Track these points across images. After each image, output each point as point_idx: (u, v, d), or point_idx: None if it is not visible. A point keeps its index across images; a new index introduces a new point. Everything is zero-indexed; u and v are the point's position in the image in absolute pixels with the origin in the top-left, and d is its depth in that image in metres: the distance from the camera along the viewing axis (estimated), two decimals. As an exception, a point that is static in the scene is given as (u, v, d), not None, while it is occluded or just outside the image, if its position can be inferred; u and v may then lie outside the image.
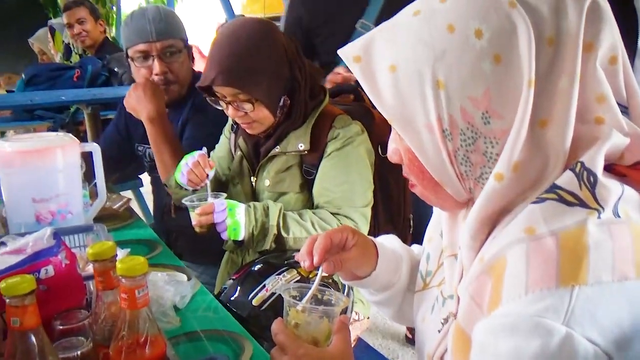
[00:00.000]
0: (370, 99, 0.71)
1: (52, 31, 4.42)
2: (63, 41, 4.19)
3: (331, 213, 1.54)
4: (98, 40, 3.73)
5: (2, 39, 6.18)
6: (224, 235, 1.50)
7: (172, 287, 1.13)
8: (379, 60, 0.71)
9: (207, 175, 1.61)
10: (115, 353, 0.81)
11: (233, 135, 1.79)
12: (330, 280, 1.41)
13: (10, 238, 1.08)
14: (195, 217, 1.51)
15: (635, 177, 0.66)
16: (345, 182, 1.56)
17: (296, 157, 1.60)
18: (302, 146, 1.58)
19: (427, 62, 0.67)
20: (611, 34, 0.65)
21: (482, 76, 0.64)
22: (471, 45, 0.65)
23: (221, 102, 1.57)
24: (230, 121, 1.81)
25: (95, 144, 1.57)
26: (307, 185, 1.61)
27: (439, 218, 0.89)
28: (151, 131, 1.86)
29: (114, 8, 6.26)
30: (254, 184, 1.69)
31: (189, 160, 1.62)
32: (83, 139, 2.32)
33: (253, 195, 1.70)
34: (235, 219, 1.48)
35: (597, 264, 0.58)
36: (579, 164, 0.63)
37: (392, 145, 0.79)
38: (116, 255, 0.90)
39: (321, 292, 0.91)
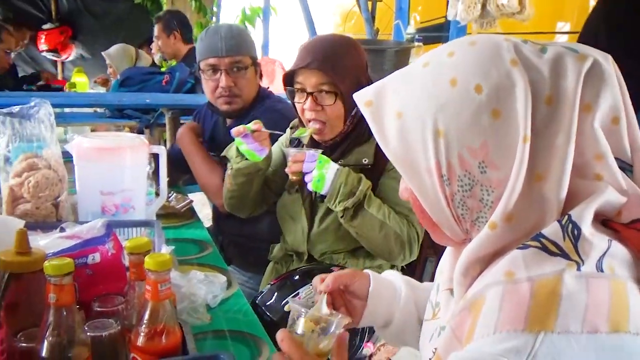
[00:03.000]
0: (378, 141, 0.77)
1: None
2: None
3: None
4: (176, 51, 3.94)
5: (113, 40, 6.68)
6: (309, 186, 1.58)
7: (204, 286, 1.22)
8: (387, 106, 0.76)
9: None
10: (134, 337, 0.90)
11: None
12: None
13: (70, 225, 1.20)
14: (289, 164, 1.61)
15: (627, 235, 0.67)
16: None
17: (357, 171, 1.64)
18: (367, 160, 1.65)
19: (429, 111, 0.71)
20: (612, 95, 0.67)
21: (480, 129, 0.68)
22: (471, 99, 0.68)
23: (298, 96, 1.65)
24: (287, 135, 1.89)
25: (162, 147, 1.71)
26: None
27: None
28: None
29: (214, 19, 6.60)
30: (313, 194, 1.75)
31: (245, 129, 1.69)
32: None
33: (311, 205, 1.76)
34: (322, 171, 1.55)
35: (567, 313, 0.59)
36: (566, 217, 0.65)
37: (402, 184, 0.83)
38: (151, 250, 0.99)
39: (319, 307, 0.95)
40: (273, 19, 6.18)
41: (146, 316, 0.90)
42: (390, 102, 0.76)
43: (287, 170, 1.62)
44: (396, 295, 1.06)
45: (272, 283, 1.57)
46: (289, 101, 1.75)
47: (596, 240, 0.65)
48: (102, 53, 4.63)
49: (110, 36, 6.64)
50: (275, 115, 2.04)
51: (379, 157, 1.63)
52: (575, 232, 0.64)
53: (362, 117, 1.57)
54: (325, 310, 0.97)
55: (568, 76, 0.66)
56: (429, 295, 0.98)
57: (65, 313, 0.85)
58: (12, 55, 4.21)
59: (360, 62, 1.65)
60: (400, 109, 0.74)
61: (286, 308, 1.48)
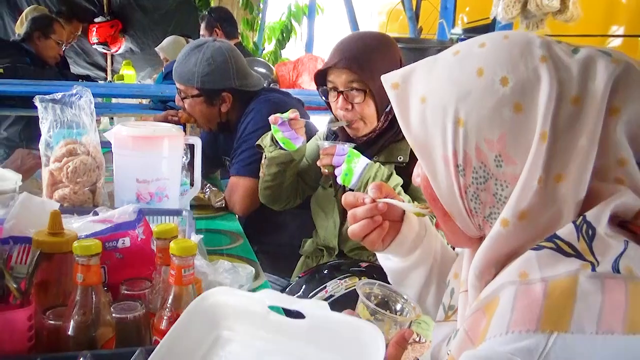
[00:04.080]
0: (399, 123, 0.77)
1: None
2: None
3: None
4: None
5: (161, 34, 6.82)
6: (338, 179, 1.58)
7: (230, 275, 1.23)
8: (413, 90, 0.76)
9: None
10: (158, 320, 0.92)
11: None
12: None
13: (103, 209, 1.23)
14: (321, 156, 1.62)
15: None
16: None
17: (391, 168, 1.65)
18: (402, 158, 1.65)
19: (452, 99, 0.71)
20: None
21: (500, 121, 0.67)
22: (495, 90, 0.68)
23: (331, 95, 1.66)
24: (325, 129, 1.90)
25: (197, 138, 1.73)
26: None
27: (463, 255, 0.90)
28: None
29: (260, 15, 6.67)
30: (346, 189, 1.74)
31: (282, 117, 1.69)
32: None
33: None
34: (350, 165, 1.56)
35: (582, 314, 0.58)
36: (581, 218, 0.64)
37: (417, 169, 0.82)
38: (177, 236, 1.01)
39: (397, 298, 0.94)
40: (319, 17, 6.21)
41: (169, 300, 0.92)
42: (416, 86, 0.76)
43: (318, 162, 1.63)
44: (425, 229, 1.04)
45: (300, 276, 1.58)
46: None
47: (612, 241, 0.64)
48: (156, 49, 4.73)
49: (158, 30, 6.78)
50: (266, 105, 2.08)
51: (413, 155, 1.61)
52: (590, 232, 0.63)
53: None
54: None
55: (597, 78, 0.66)
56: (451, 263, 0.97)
57: (91, 293, 0.88)
58: (64, 47, 4.33)
59: (394, 60, 1.65)
60: (425, 93, 0.74)
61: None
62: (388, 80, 0.79)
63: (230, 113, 2.17)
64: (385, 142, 1.68)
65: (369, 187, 1.00)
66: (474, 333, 0.68)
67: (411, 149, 1.57)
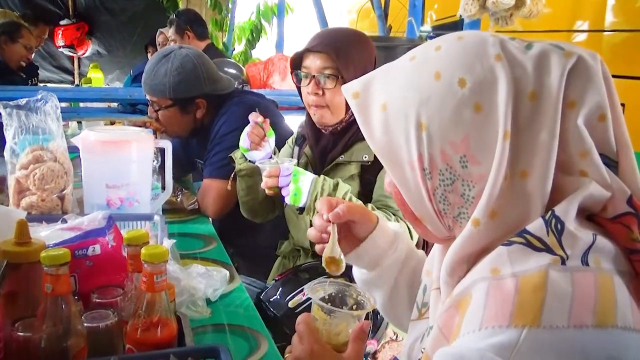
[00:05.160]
0: (363, 133, 0.77)
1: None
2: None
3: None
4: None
5: (129, 36, 6.73)
6: (287, 199, 1.57)
7: (204, 279, 1.22)
8: (373, 98, 0.76)
9: (265, 136, 1.67)
10: (131, 329, 0.91)
11: (297, 148, 1.87)
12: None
13: (72, 216, 1.21)
14: (264, 179, 1.59)
15: (612, 229, 0.67)
16: None
17: (358, 167, 1.66)
18: (367, 157, 1.64)
19: (413, 104, 0.71)
20: (598, 92, 0.66)
21: (462, 122, 0.68)
22: (454, 92, 0.68)
23: (304, 81, 1.67)
24: (295, 134, 1.91)
25: (168, 141, 1.71)
26: (365, 195, 1.66)
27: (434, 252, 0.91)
28: None
29: (229, 15, 6.62)
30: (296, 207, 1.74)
31: (248, 126, 1.69)
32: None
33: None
34: (297, 185, 1.54)
35: (552, 307, 0.59)
36: (550, 212, 0.65)
37: (387, 178, 0.83)
38: (149, 242, 1.00)
39: (351, 292, 0.94)
40: (289, 16, 6.19)
41: (142, 307, 0.90)
42: (376, 94, 0.76)
43: (262, 185, 1.60)
44: (392, 248, 1.06)
45: (276, 279, 1.57)
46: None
47: (581, 235, 0.64)
48: (160, 30, 4.60)
49: (125, 32, 6.71)
50: (239, 108, 2.09)
51: None
52: (559, 226, 0.64)
53: None
54: (338, 250, 0.99)
55: (552, 73, 0.66)
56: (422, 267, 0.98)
57: (61, 303, 0.86)
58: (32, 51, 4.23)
59: (369, 57, 1.67)
60: (385, 101, 0.74)
61: (290, 304, 1.48)
62: (349, 90, 0.79)
63: (204, 118, 2.16)
64: (349, 140, 1.68)
65: (318, 204, 1.03)
66: (447, 330, 0.69)
67: None
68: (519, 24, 2.14)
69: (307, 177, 1.55)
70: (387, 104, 0.74)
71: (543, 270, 0.61)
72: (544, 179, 0.66)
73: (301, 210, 1.58)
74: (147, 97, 2.15)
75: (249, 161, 1.74)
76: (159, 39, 4.45)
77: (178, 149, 2.32)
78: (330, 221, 1.00)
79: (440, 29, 4.36)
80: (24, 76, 4.09)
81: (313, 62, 1.64)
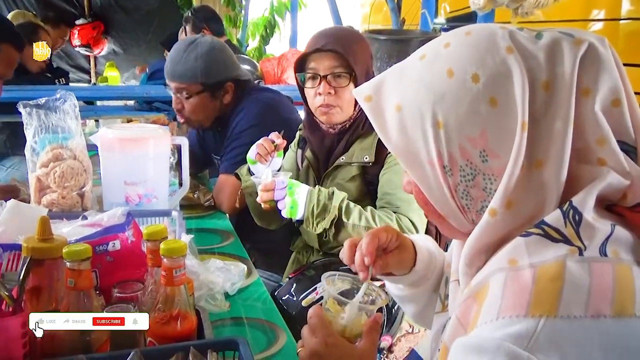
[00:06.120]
0: (379, 135, 0.77)
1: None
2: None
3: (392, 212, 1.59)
4: None
5: (144, 34, 6.77)
6: (284, 213, 1.56)
7: (222, 274, 1.24)
8: (387, 100, 0.76)
9: (275, 148, 1.66)
10: (151, 322, 0.92)
11: (300, 151, 1.86)
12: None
13: (92, 213, 1.23)
14: (259, 193, 1.58)
15: (632, 219, 0.66)
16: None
17: (359, 168, 1.66)
18: (367, 158, 1.64)
19: (427, 103, 0.71)
20: (610, 78, 0.66)
21: (478, 117, 0.68)
22: (468, 88, 0.68)
23: (309, 83, 1.65)
24: (297, 137, 1.90)
25: (184, 138, 1.73)
26: (369, 195, 1.66)
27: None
28: None
29: (242, 11, 6.65)
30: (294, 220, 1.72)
31: (262, 139, 1.70)
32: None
33: None
34: (293, 197, 1.54)
35: (570, 297, 0.59)
36: (567, 203, 0.65)
37: (405, 177, 0.83)
38: (167, 237, 1.01)
39: (360, 285, 0.94)
40: (302, 11, 6.20)
41: (162, 301, 0.92)
42: (389, 96, 0.76)
43: (258, 199, 1.59)
44: (429, 270, 1.03)
45: (290, 277, 1.59)
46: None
47: (599, 225, 0.64)
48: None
49: (141, 30, 6.74)
50: (257, 104, 2.10)
51: (378, 155, 1.63)
52: (577, 217, 0.64)
53: None
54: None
55: (564, 61, 0.66)
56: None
57: (83, 297, 0.88)
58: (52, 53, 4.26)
59: (369, 53, 1.69)
60: (399, 102, 0.74)
61: (304, 303, 1.49)
62: (360, 93, 0.79)
63: (228, 106, 2.17)
64: (351, 136, 1.68)
65: (365, 238, 0.96)
66: (465, 320, 0.69)
67: (376, 149, 1.61)
68: (540, 13, 2.13)
69: (302, 189, 1.55)
70: (401, 105, 0.74)
71: (560, 260, 0.61)
72: (559, 169, 0.66)
73: (300, 222, 1.58)
74: (174, 85, 2.10)
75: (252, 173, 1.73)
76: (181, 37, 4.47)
77: (194, 145, 2.35)
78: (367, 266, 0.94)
79: (455, 21, 4.33)
80: (49, 75, 4.11)
81: (321, 63, 1.62)
